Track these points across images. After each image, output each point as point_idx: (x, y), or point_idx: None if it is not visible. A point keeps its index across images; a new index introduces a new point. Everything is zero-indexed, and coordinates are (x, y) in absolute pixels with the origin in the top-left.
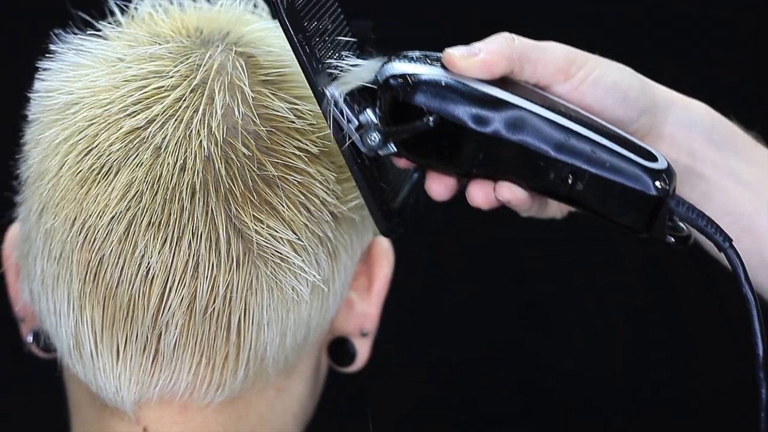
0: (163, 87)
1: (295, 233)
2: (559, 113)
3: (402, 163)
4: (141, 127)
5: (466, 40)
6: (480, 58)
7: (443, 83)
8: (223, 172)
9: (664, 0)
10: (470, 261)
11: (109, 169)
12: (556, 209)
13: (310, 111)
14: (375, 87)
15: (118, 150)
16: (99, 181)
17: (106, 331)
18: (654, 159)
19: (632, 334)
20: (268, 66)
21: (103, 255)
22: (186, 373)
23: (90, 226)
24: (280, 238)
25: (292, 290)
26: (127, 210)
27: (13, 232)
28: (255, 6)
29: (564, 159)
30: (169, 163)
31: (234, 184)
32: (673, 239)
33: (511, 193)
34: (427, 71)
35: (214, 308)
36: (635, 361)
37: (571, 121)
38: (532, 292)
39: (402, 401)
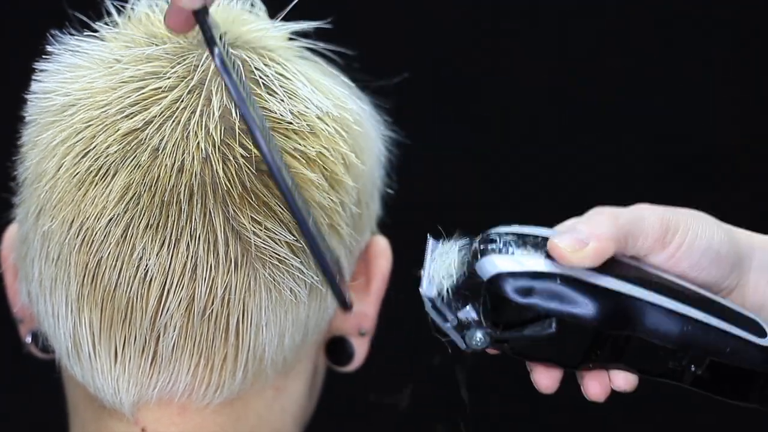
0: (160, 88)
1: (292, 235)
2: (674, 297)
3: (493, 351)
4: (138, 129)
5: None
6: (592, 248)
7: (558, 281)
8: (221, 174)
9: (664, 0)
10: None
11: (107, 171)
12: None
13: (307, 112)
14: (473, 281)
15: (115, 152)
16: (96, 183)
17: (104, 333)
18: (764, 333)
19: None
20: (265, 66)
21: (101, 257)
22: (184, 375)
23: (88, 229)
24: (278, 239)
25: (290, 291)
26: (125, 212)
27: (11, 233)
28: (252, 5)
29: (684, 349)
30: (166, 165)
31: (232, 186)
32: None
33: (626, 382)
34: (533, 265)
35: (212, 310)
36: None
37: (686, 306)
38: None
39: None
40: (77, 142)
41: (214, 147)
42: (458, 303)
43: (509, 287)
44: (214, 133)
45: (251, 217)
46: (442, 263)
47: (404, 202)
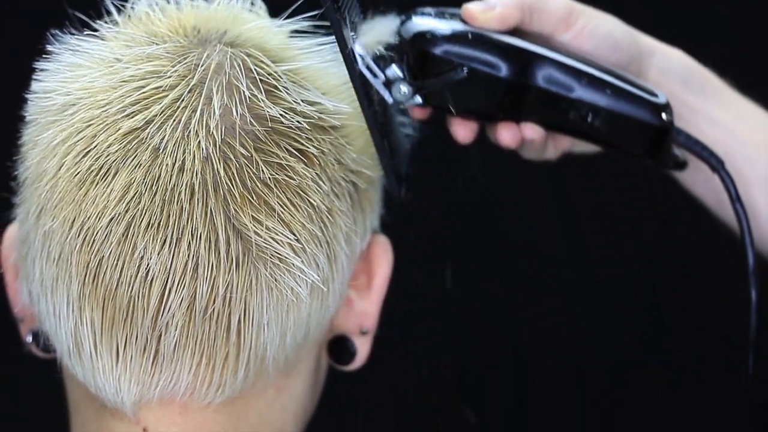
0: (161, 87)
1: (293, 234)
2: (573, 58)
3: (420, 113)
4: (139, 128)
5: None
6: (498, 12)
7: (469, 36)
8: (222, 173)
9: None
10: (470, 259)
11: (108, 170)
12: (552, 151)
13: (308, 110)
14: (399, 43)
15: (116, 151)
16: (97, 183)
17: (105, 333)
18: (655, 95)
19: (630, 334)
20: (266, 65)
21: (103, 256)
22: (186, 374)
23: (89, 228)
24: (279, 239)
25: (292, 291)
26: (126, 211)
27: (12, 233)
28: (252, 4)
29: (583, 99)
30: (167, 164)
31: (233, 185)
32: (672, 164)
33: (534, 132)
34: (448, 26)
35: (213, 309)
36: (634, 360)
37: (584, 65)
38: (532, 290)
39: (402, 399)
40: (78, 141)
41: (215, 146)
42: (386, 63)
43: (427, 41)
44: (214, 132)
45: (252, 216)
46: (377, 29)
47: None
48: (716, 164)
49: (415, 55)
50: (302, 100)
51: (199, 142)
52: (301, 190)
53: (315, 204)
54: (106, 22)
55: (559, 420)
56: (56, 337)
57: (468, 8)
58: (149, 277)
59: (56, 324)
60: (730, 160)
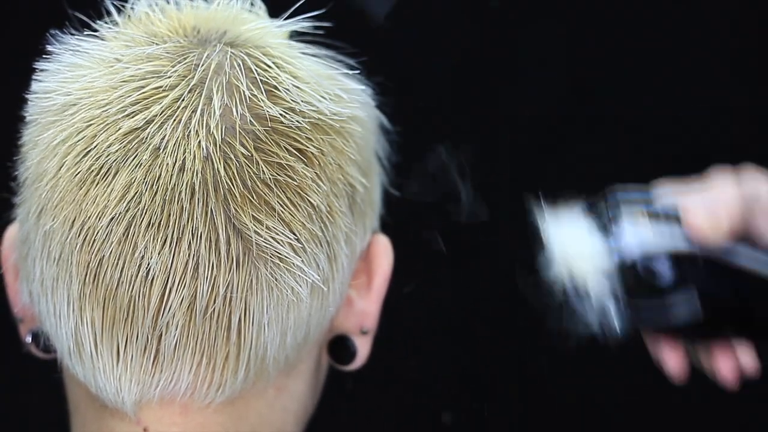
0: (161, 87)
1: (293, 233)
2: None
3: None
4: (139, 128)
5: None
6: (724, 223)
7: (700, 261)
8: (222, 173)
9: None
10: (471, 258)
11: (108, 170)
12: None
13: (307, 109)
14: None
15: (116, 151)
16: (98, 183)
17: (106, 332)
18: None
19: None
20: (266, 65)
21: (103, 256)
22: (187, 374)
23: (89, 228)
24: (279, 238)
25: (292, 290)
26: (127, 211)
27: (12, 233)
28: (252, 4)
29: None
30: (168, 164)
31: (233, 185)
32: None
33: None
34: (671, 242)
35: (214, 308)
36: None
37: None
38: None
39: (402, 399)
40: (78, 141)
41: (215, 146)
42: (590, 288)
43: (650, 270)
44: (215, 132)
45: (252, 215)
46: (565, 239)
47: (405, 201)
48: None
49: (636, 279)
50: (302, 101)
51: (200, 141)
52: (301, 190)
53: (315, 204)
54: (106, 23)
55: (560, 419)
56: (56, 337)
57: (691, 221)
58: (150, 277)
59: (56, 324)
60: None
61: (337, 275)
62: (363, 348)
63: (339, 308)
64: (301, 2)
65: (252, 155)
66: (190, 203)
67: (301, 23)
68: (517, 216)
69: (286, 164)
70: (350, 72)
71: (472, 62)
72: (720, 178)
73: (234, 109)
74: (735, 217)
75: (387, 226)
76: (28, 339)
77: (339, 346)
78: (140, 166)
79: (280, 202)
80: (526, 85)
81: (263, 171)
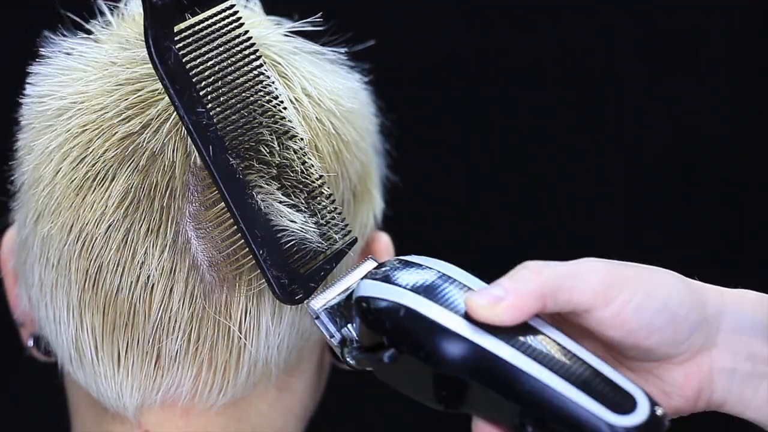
0: (156, 90)
1: None
2: (529, 354)
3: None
4: (136, 133)
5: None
6: (507, 304)
7: (402, 313)
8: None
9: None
10: (471, 257)
11: (105, 175)
12: None
13: (303, 108)
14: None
15: (113, 156)
16: (95, 189)
17: (106, 338)
18: (631, 409)
19: None
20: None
21: (102, 263)
22: (188, 378)
23: (87, 234)
24: None
25: None
26: (125, 217)
27: (10, 237)
28: (247, 1)
29: (519, 407)
30: (165, 168)
31: None
32: None
33: None
34: (395, 295)
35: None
36: None
37: (537, 364)
38: None
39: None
40: (73, 147)
41: None
42: (343, 321)
43: (363, 311)
44: None
45: None
46: (348, 281)
47: (406, 199)
48: None
49: (357, 321)
50: (294, 99)
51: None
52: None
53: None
54: (99, 24)
55: None
56: (57, 342)
57: (471, 302)
58: (150, 283)
59: (56, 330)
60: None
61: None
62: None
63: None
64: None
65: None
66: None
67: (296, 19)
68: (514, 213)
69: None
70: (347, 67)
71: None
72: (522, 265)
73: None
74: (524, 294)
75: (387, 225)
76: (30, 343)
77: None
78: (137, 171)
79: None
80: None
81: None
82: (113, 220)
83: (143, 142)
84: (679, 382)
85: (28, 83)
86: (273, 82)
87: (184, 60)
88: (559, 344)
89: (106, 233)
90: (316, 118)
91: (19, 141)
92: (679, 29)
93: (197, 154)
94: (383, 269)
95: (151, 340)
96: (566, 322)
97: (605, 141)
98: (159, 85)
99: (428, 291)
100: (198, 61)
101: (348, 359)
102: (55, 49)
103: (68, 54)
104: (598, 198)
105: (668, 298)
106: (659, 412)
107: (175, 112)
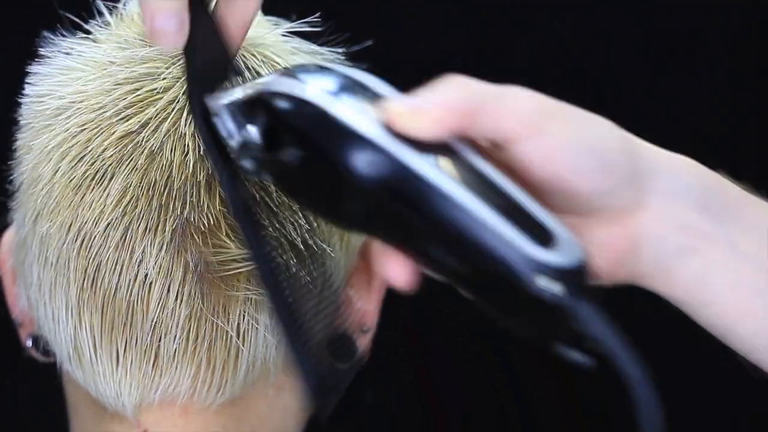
0: (155, 89)
1: (292, 234)
2: (444, 170)
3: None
4: (134, 132)
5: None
6: (428, 116)
7: (315, 112)
8: None
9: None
10: None
11: (104, 174)
12: None
13: None
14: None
15: (111, 155)
16: (93, 188)
17: (105, 337)
18: (552, 244)
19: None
20: (259, 63)
21: (101, 261)
22: (187, 377)
23: (86, 233)
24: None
25: None
26: (123, 216)
27: (9, 237)
28: None
29: (429, 226)
30: (164, 167)
31: None
32: (579, 355)
33: (398, 266)
34: (308, 95)
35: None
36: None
37: (451, 181)
38: None
39: (404, 398)
40: (72, 146)
41: None
42: (244, 119)
43: (270, 108)
44: None
45: None
46: (257, 81)
47: None
48: (634, 376)
49: (261, 118)
50: None
51: (196, 144)
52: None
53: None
54: (97, 24)
55: (562, 418)
56: (55, 342)
57: (389, 108)
58: (148, 281)
59: (55, 329)
60: (760, 299)
61: (335, 274)
62: (363, 346)
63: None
64: None
65: None
66: (187, 207)
67: (294, 20)
68: None
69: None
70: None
71: (472, 62)
72: (448, 78)
73: None
74: (448, 110)
75: None
76: (29, 343)
77: (339, 345)
78: (136, 170)
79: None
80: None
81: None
82: (112, 219)
83: (142, 141)
84: (602, 242)
85: (27, 83)
86: None
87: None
88: (479, 167)
89: (104, 232)
90: None
91: (18, 140)
92: (678, 29)
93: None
94: (297, 68)
95: (149, 339)
96: (489, 158)
97: None
98: (157, 85)
99: (343, 93)
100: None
101: (246, 163)
102: (54, 49)
103: (67, 54)
104: None
105: (600, 140)
106: (585, 258)
107: (172, 111)
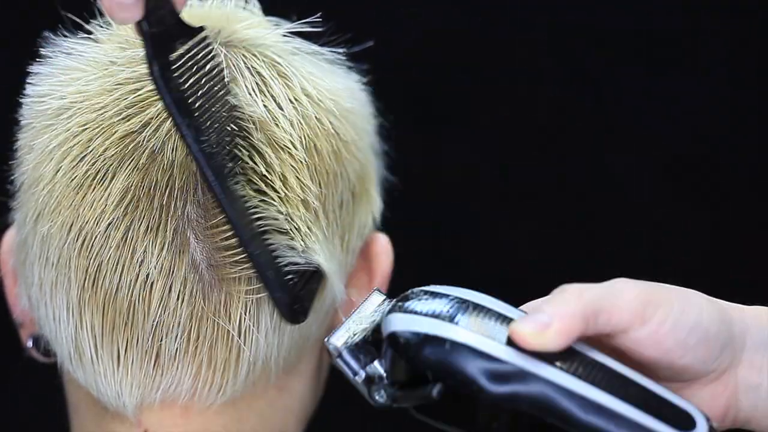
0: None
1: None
2: (586, 380)
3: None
4: (136, 131)
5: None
6: (555, 329)
7: (447, 346)
8: None
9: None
10: (471, 256)
11: (105, 174)
12: None
13: (301, 108)
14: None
15: (112, 155)
16: (95, 187)
17: (106, 337)
18: (690, 426)
19: None
20: (260, 63)
21: (102, 261)
22: (187, 377)
23: (87, 233)
24: None
25: None
26: (125, 215)
27: (10, 236)
28: (246, 1)
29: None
30: (165, 167)
31: None
32: None
33: None
34: (435, 328)
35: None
36: None
37: (597, 390)
38: (533, 288)
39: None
40: (74, 146)
41: None
42: (367, 358)
43: (400, 346)
44: None
45: None
46: (362, 316)
47: (406, 200)
48: None
49: (389, 357)
50: (293, 98)
51: None
52: (298, 191)
53: (312, 205)
54: (99, 24)
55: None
56: (56, 341)
57: (517, 331)
58: (149, 281)
59: (56, 329)
60: None
61: (336, 277)
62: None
63: (339, 308)
64: None
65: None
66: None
67: (295, 20)
68: (512, 212)
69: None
70: (346, 68)
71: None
72: (560, 288)
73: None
74: (570, 317)
75: (387, 224)
76: (29, 343)
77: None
78: (137, 170)
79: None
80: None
81: (261, 172)
82: (113, 219)
83: (143, 140)
84: (706, 402)
85: (29, 83)
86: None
87: (181, 89)
88: (605, 365)
89: (105, 232)
90: (316, 117)
91: (19, 140)
92: (679, 29)
93: (206, 185)
94: (409, 302)
95: (150, 339)
96: (600, 345)
97: (604, 141)
98: None
99: (467, 322)
100: (190, 91)
101: (378, 398)
102: (55, 49)
103: (68, 54)
104: (598, 197)
105: (700, 316)
106: (714, 425)
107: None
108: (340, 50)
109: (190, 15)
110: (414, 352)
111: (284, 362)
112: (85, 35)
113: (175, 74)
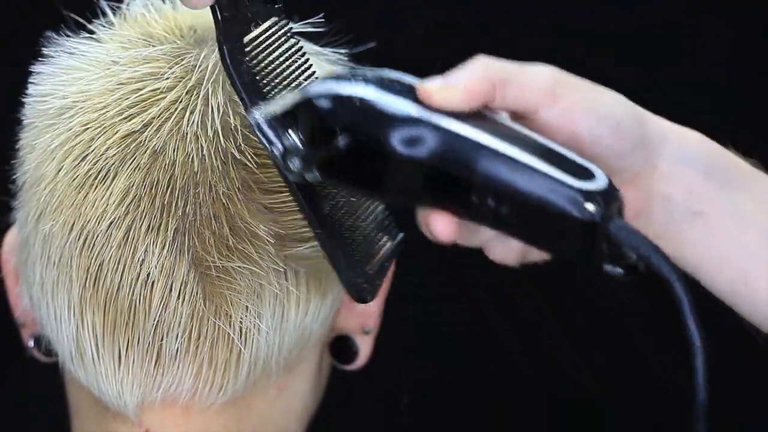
0: (158, 89)
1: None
2: (486, 131)
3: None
4: (137, 131)
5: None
6: (459, 87)
7: (357, 103)
8: (220, 174)
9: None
10: (472, 256)
11: (107, 173)
12: (510, 253)
13: None
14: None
15: (114, 155)
16: (96, 187)
17: (107, 336)
18: (590, 177)
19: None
20: None
21: (103, 260)
22: (188, 377)
23: (89, 232)
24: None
25: (292, 292)
26: (126, 215)
27: (11, 236)
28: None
29: (480, 180)
30: (166, 167)
31: (232, 186)
32: (620, 269)
33: (444, 223)
34: (350, 89)
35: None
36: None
37: (495, 138)
38: (535, 287)
39: (404, 399)
40: (76, 145)
41: (213, 148)
42: (285, 130)
43: (313, 107)
44: (213, 134)
45: (251, 217)
46: (290, 95)
47: None
48: (668, 275)
49: (303, 120)
50: None
51: (199, 143)
52: None
53: None
54: (101, 24)
55: (562, 419)
56: (58, 341)
57: (423, 86)
58: (150, 280)
59: (57, 328)
60: (764, 263)
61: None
62: (365, 347)
63: (340, 308)
64: None
65: (252, 158)
66: (190, 206)
67: (298, 20)
68: None
69: None
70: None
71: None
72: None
73: (232, 111)
74: (477, 78)
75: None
76: (31, 343)
77: (341, 346)
78: (139, 170)
79: (277, 203)
80: None
81: (261, 172)
82: (114, 218)
83: (145, 140)
84: None
85: (31, 82)
86: None
87: (253, 71)
88: (512, 127)
89: (107, 231)
90: None
91: (21, 140)
92: (679, 29)
93: (280, 173)
94: (329, 76)
95: (151, 339)
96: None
97: None
98: (160, 85)
99: (378, 85)
100: (263, 73)
101: (292, 165)
102: (57, 48)
103: (70, 54)
104: None
105: (613, 109)
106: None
107: (175, 111)
108: (343, 51)
109: (192, 15)
110: (325, 112)
111: (285, 362)
112: (88, 35)
113: (247, 57)
